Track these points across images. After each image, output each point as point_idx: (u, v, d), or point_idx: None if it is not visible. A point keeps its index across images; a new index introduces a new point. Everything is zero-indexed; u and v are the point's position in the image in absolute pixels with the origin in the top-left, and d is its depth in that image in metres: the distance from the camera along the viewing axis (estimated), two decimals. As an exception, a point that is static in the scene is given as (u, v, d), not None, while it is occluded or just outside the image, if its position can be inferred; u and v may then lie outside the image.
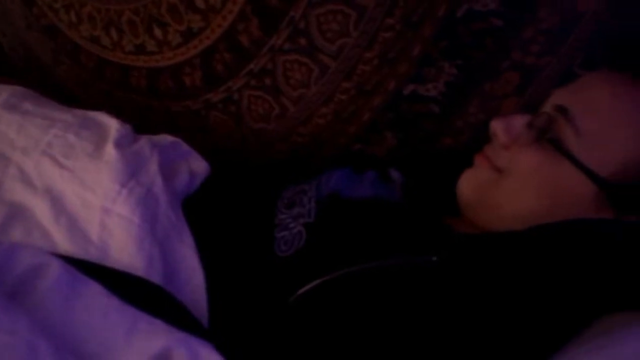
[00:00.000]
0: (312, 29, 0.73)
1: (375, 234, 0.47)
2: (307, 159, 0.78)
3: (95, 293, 0.37)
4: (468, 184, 0.53)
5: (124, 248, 0.47)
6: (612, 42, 0.54)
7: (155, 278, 0.45)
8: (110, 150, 0.56)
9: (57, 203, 0.51)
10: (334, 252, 0.46)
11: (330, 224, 0.49)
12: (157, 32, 0.84)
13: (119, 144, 0.57)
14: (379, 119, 0.74)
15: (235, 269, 0.50)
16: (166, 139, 0.67)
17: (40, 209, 0.50)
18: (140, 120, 0.87)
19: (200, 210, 0.54)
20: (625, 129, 0.45)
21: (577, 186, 0.46)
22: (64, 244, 0.47)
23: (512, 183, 0.49)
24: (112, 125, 0.62)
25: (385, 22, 0.68)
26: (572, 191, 0.46)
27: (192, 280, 0.48)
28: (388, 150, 0.75)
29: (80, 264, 0.41)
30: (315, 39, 0.73)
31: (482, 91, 0.67)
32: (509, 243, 0.42)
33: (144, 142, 0.60)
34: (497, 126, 0.50)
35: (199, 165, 0.61)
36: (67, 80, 0.95)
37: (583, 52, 0.59)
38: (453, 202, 0.54)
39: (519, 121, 0.50)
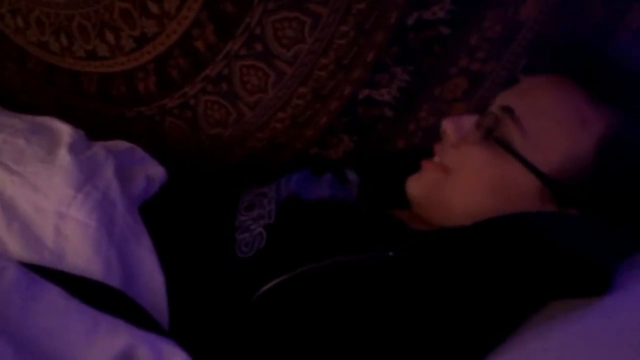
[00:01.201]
0: (268, 35, 0.74)
1: (333, 232, 0.48)
2: (264, 163, 0.78)
3: (54, 295, 0.36)
4: (416, 185, 0.54)
5: (80, 252, 0.46)
6: (553, 48, 0.58)
7: (114, 282, 0.45)
8: (63, 155, 0.54)
9: (8, 209, 0.50)
10: (294, 251, 0.47)
11: (290, 224, 0.50)
12: (109, 37, 0.83)
13: (72, 149, 0.55)
14: (335, 123, 0.76)
15: (196, 271, 0.49)
16: (121, 144, 0.66)
17: None
18: (93, 126, 0.84)
19: (158, 213, 0.53)
20: (565, 129, 0.48)
21: (522, 182, 0.48)
22: (18, 249, 0.45)
23: (460, 180, 0.51)
24: (64, 130, 0.60)
25: (339, 29, 0.70)
26: (519, 187, 0.48)
27: (151, 283, 0.47)
28: (344, 153, 0.77)
29: (36, 269, 0.40)
30: (271, 45, 0.74)
31: (433, 96, 0.70)
32: (456, 238, 0.44)
33: (98, 147, 0.59)
34: (447, 125, 0.52)
35: (156, 171, 0.60)
36: (13, 87, 0.92)
37: (525, 58, 0.63)
38: (405, 197, 0.56)
39: (468, 121, 0.52)
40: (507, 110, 0.49)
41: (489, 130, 0.49)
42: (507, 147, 0.48)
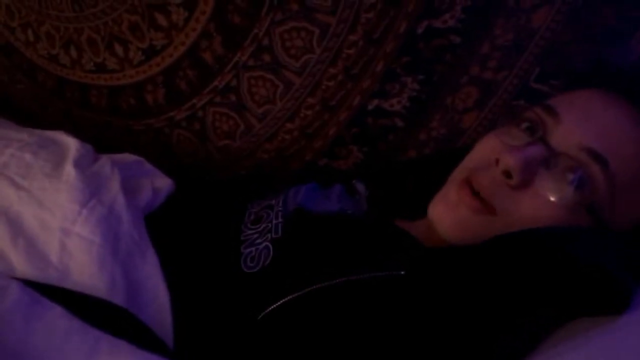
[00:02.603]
0: (275, 46, 0.73)
1: (341, 249, 0.46)
2: (273, 174, 0.78)
3: (56, 316, 0.36)
4: (451, 223, 0.45)
5: (85, 269, 0.45)
6: (616, 67, 0.50)
7: (118, 298, 0.44)
8: (69, 170, 0.54)
9: (14, 224, 0.49)
10: (301, 268, 0.45)
11: (297, 239, 0.49)
12: (118, 49, 0.83)
13: (78, 164, 0.55)
14: (344, 134, 0.75)
15: (201, 286, 0.48)
16: (128, 157, 0.65)
17: None
18: (101, 139, 0.85)
19: (164, 227, 0.52)
20: None
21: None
22: (23, 266, 0.45)
23: (514, 225, 0.42)
24: (71, 144, 0.60)
25: (348, 38, 0.70)
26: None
27: (156, 299, 0.46)
28: (354, 164, 0.76)
29: (39, 287, 0.40)
30: (279, 55, 0.73)
31: (444, 105, 0.69)
32: (470, 257, 0.41)
33: (104, 161, 0.59)
34: (514, 162, 0.40)
35: (163, 183, 0.60)
36: (24, 100, 0.92)
37: (538, 67, 0.62)
38: (414, 207, 0.53)
39: (535, 153, 0.41)
40: (599, 158, 0.40)
41: (572, 181, 0.39)
42: (596, 216, 0.40)
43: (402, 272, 0.40)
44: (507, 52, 0.63)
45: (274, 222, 0.52)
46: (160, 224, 0.52)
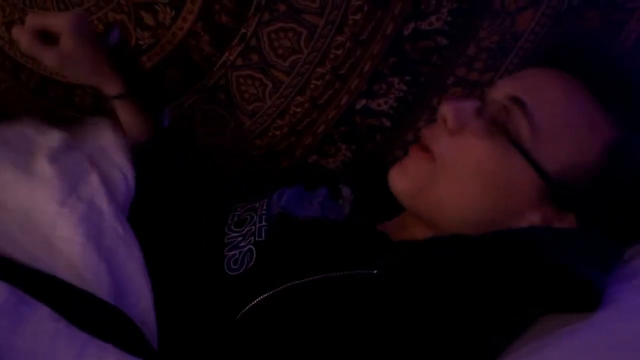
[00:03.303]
0: (264, 46, 0.73)
1: (319, 251, 0.47)
2: (264, 172, 0.78)
3: (42, 318, 0.35)
4: (402, 179, 0.49)
5: (70, 269, 0.44)
6: (563, 47, 0.54)
7: (105, 297, 0.43)
8: (43, 166, 0.51)
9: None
10: (280, 269, 0.46)
11: (280, 243, 0.49)
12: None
13: (54, 158, 0.52)
14: (333, 132, 0.76)
15: (185, 288, 0.48)
16: (95, 141, 0.62)
17: None
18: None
19: (147, 227, 0.51)
20: (574, 131, 0.45)
21: (523, 181, 0.45)
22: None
23: (455, 174, 0.46)
24: (41, 138, 0.57)
25: (335, 39, 0.70)
26: (518, 185, 0.45)
27: (141, 301, 0.45)
28: (343, 162, 0.77)
29: (29, 279, 0.39)
30: (267, 55, 0.74)
31: (431, 106, 0.71)
32: (438, 255, 0.43)
33: (78, 154, 0.56)
34: (448, 110, 0.46)
35: (130, 172, 0.56)
36: (7, 99, 0.91)
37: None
38: (399, 209, 0.53)
39: (470, 107, 0.47)
40: (518, 102, 0.45)
41: (496, 121, 0.45)
42: (516, 143, 0.44)
43: (375, 272, 0.41)
44: (493, 54, 0.65)
45: (257, 225, 0.52)
46: (143, 226, 0.51)
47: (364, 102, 0.73)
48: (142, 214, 0.53)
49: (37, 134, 0.60)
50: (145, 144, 0.65)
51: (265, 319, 0.43)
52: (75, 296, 0.41)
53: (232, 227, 0.54)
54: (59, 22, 0.59)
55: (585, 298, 0.38)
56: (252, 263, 0.48)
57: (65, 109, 0.88)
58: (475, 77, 0.66)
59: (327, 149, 0.77)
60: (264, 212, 0.55)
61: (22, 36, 0.59)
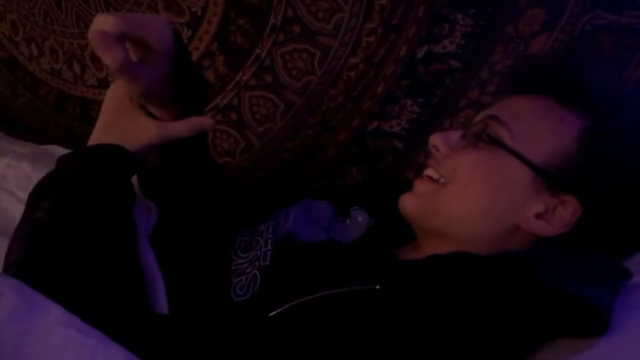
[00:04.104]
0: (277, 67, 0.74)
1: (324, 270, 0.48)
2: (272, 193, 0.78)
3: (53, 323, 0.35)
4: (410, 200, 0.54)
5: None
6: (528, 66, 0.60)
7: None
8: None
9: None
10: (284, 290, 0.47)
11: (284, 266, 0.50)
12: None
13: None
14: (343, 154, 0.75)
15: (193, 316, 0.49)
16: None
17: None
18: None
19: (157, 253, 0.51)
20: (547, 125, 0.51)
21: (516, 175, 0.49)
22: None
23: (457, 184, 0.51)
24: None
25: (349, 61, 0.71)
26: (513, 180, 0.50)
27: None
28: (352, 185, 0.76)
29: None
30: (280, 76, 0.74)
31: (442, 128, 0.70)
32: (439, 275, 0.45)
33: None
34: (435, 139, 0.53)
35: (151, 204, 0.59)
36: (25, 114, 0.92)
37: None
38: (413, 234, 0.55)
39: (454, 134, 0.54)
40: (493, 117, 0.52)
41: (478, 135, 0.51)
42: (497, 142, 0.50)
43: (377, 287, 0.42)
44: (506, 77, 0.64)
45: (262, 249, 0.53)
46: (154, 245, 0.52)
47: (375, 123, 0.73)
48: (154, 241, 0.53)
49: (62, 150, 0.61)
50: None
51: (270, 340, 0.43)
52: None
53: (239, 252, 0.55)
54: (157, 37, 0.44)
55: (593, 322, 0.38)
56: (256, 288, 0.49)
57: (82, 123, 0.90)
58: (487, 100, 0.66)
59: (337, 172, 0.77)
60: (269, 235, 0.55)
61: (112, 46, 0.41)
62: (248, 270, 0.51)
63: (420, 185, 0.54)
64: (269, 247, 0.53)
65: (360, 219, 0.60)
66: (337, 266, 0.48)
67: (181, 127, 0.49)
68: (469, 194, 0.50)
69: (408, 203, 0.53)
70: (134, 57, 0.44)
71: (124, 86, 0.46)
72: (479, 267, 0.44)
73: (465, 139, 0.53)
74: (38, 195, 0.46)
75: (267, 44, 0.74)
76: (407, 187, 0.55)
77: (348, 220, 0.60)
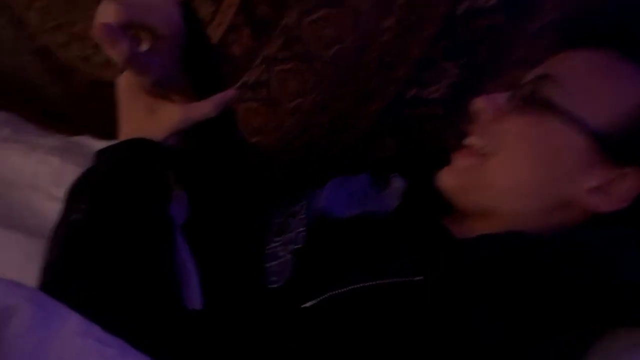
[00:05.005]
0: (306, 36, 0.70)
1: (361, 256, 0.44)
2: (304, 170, 0.74)
3: (71, 333, 0.33)
4: (449, 175, 0.48)
5: None
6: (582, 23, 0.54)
7: None
8: None
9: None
10: (318, 278, 0.43)
11: (318, 248, 0.46)
12: None
13: None
14: (379, 125, 0.70)
15: (227, 305, 0.46)
16: None
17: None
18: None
19: (191, 239, 0.49)
20: (608, 83, 0.45)
21: (569, 144, 0.44)
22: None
23: (503, 153, 0.46)
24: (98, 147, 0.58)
25: (381, 25, 0.65)
26: (566, 149, 0.44)
27: None
28: (388, 157, 0.71)
29: None
30: (309, 45, 0.70)
31: (487, 90, 0.64)
32: (496, 262, 0.40)
33: None
34: (479, 102, 0.48)
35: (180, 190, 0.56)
36: (59, 101, 0.93)
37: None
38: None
39: (501, 95, 0.48)
40: (543, 76, 0.46)
41: (527, 97, 0.45)
42: (549, 104, 0.44)
43: (417, 279, 0.38)
44: (559, 28, 0.57)
45: (296, 231, 0.49)
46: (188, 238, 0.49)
47: (413, 91, 0.68)
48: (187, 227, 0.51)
49: (95, 142, 0.59)
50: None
51: (303, 333, 0.40)
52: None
53: (272, 237, 0.51)
54: (163, 21, 0.40)
55: None
56: (290, 273, 0.45)
57: (115, 110, 0.89)
58: (537, 56, 0.59)
59: (372, 144, 0.72)
60: (302, 216, 0.51)
61: (116, 39, 0.38)
62: (282, 254, 0.48)
63: (460, 159, 0.48)
64: (302, 229, 0.49)
65: (397, 185, 0.56)
66: (374, 249, 0.44)
67: (204, 108, 0.45)
68: (516, 164, 0.45)
69: (447, 179, 0.48)
70: (144, 45, 0.41)
71: (134, 77, 0.43)
72: (542, 255, 0.39)
73: (513, 101, 0.47)
74: (74, 195, 0.44)
75: (294, 13, 0.69)
76: (448, 156, 0.50)
77: (386, 190, 0.56)
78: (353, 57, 0.68)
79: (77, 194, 0.43)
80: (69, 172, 0.53)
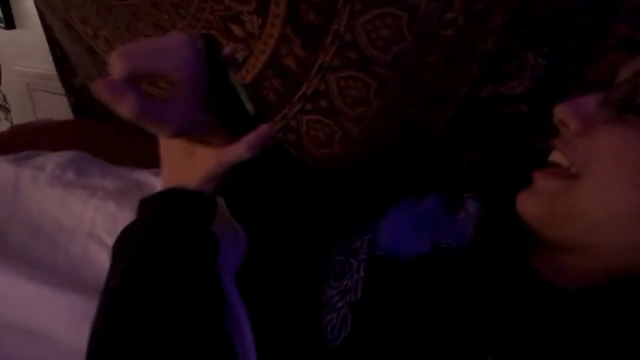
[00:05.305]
0: (360, 40, 0.63)
1: (427, 319, 0.37)
2: (372, 192, 0.68)
3: None
4: (530, 201, 0.40)
5: None
6: None
7: None
8: None
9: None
10: (377, 342, 0.38)
11: (376, 303, 0.40)
12: None
13: None
14: (454, 130, 0.62)
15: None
16: None
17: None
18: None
19: (243, 285, 0.47)
20: None
21: None
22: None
23: (596, 175, 0.37)
24: (157, 186, 0.57)
25: (444, 18, 0.56)
26: None
27: None
28: (470, 164, 0.63)
29: None
30: (365, 49, 0.63)
31: (582, 79, 0.53)
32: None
33: None
34: (563, 111, 0.39)
35: (239, 227, 0.53)
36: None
37: None
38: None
39: (590, 101, 0.39)
40: None
41: (624, 99, 0.37)
42: None
43: (490, 358, 0.32)
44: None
45: (355, 277, 0.43)
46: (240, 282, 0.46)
47: (490, 88, 0.58)
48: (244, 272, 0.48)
49: (154, 179, 0.59)
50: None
51: None
52: None
53: (331, 281, 0.46)
54: (173, 64, 0.36)
55: None
56: (348, 332, 0.40)
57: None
58: (644, 36, 0.48)
59: (450, 152, 0.64)
60: (363, 255, 0.45)
61: (121, 94, 0.34)
62: (339, 305, 0.42)
63: (542, 181, 0.40)
64: (361, 274, 0.43)
65: (472, 208, 0.48)
66: (445, 313, 0.37)
67: (237, 150, 0.42)
68: (611, 190, 0.37)
69: (529, 206, 0.40)
70: (164, 94, 0.37)
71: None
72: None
73: (607, 108, 0.38)
74: (116, 254, 0.43)
75: (344, 16, 0.62)
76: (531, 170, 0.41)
77: (462, 214, 0.48)
78: (416, 56, 0.60)
79: (119, 251, 0.42)
80: (124, 219, 0.52)
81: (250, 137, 0.41)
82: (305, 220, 0.54)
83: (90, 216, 0.55)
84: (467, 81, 0.59)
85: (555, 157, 0.40)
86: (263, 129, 0.41)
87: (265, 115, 0.51)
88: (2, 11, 1.42)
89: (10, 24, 1.44)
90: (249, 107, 0.41)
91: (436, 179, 0.55)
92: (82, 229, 0.55)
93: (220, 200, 0.56)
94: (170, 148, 0.45)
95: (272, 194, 0.54)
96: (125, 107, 0.34)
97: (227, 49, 0.43)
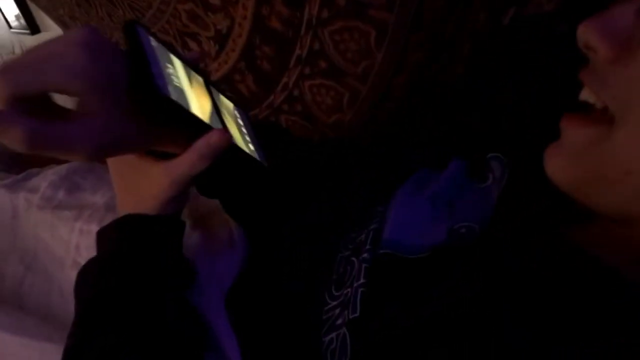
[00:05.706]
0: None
1: (427, 311, 0.30)
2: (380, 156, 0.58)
3: None
4: (559, 161, 0.30)
5: None
6: None
7: None
8: None
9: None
10: (373, 341, 0.31)
11: (378, 322, 0.32)
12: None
13: None
14: (473, 68, 0.50)
15: None
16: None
17: None
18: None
19: (238, 303, 0.41)
20: None
21: None
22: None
23: (638, 120, 0.27)
24: None
25: None
26: None
27: None
28: (493, 116, 0.51)
29: None
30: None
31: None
32: None
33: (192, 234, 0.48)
34: (588, 29, 0.27)
35: (235, 233, 0.47)
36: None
37: None
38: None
39: (625, 12, 0.27)
40: None
41: None
42: None
43: None
44: None
45: (354, 285, 0.35)
46: (235, 300, 0.41)
47: (512, 10, 0.46)
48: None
49: None
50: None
51: None
52: None
53: (333, 290, 0.38)
54: (67, 77, 0.28)
55: None
56: (348, 356, 0.32)
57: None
58: None
59: (466, 104, 0.52)
60: (365, 254, 0.36)
61: (5, 123, 0.27)
62: (339, 322, 0.35)
63: (570, 132, 0.29)
64: (361, 281, 0.35)
65: (498, 173, 0.37)
66: (449, 298, 0.29)
67: (188, 160, 0.34)
68: None
69: (556, 167, 0.30)
70: (81, 107, 0.30)
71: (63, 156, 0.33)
72: None
73: None
74: (76, 299, 0.38)
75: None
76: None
77: (490, 180, 0.38)
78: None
79: (77, 300, 0.37)
80: None
81: (201, 145, 0.33)
82: (302, 209, 0.46)
83: (75, 242, 0.51)
84: (483, 8, 0.46)
85: (586, 95, 0.29)
86: (214, 135, 0.33)
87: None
88: (25, 18, 1.42)
89: (35, 29, 1.44)
90: (194, 104, 0.33)
91: (451, 142, 0.44)
92: (68, 257, 0.51)
93: (216, 202, 0.49)
94: (118, 169, 0.38)
95: (263, 188, 0.46)
96: (12, 139, 0.27)
97: (190, 54, 0.36)
